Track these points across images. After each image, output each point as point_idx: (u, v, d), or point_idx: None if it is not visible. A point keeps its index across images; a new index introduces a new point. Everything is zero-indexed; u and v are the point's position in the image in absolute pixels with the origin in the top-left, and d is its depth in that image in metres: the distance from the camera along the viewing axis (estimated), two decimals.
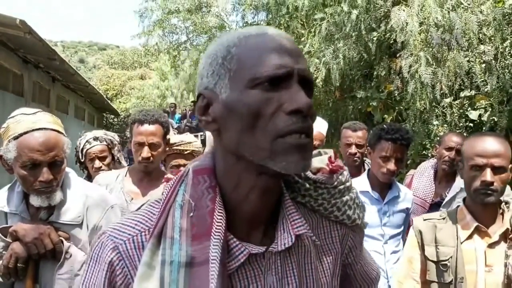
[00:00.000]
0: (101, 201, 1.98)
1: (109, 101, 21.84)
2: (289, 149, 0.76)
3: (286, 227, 0.85)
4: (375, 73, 6.33)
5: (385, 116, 6.52)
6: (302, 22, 6.51)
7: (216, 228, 0.79)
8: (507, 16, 5.56)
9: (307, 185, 0.93)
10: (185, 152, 2.84)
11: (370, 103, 6.47)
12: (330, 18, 5.73)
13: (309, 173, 0.94)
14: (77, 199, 1.92)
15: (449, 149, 3.47)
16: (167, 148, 2.60)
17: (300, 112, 0.77)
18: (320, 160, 0.97)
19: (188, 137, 2.96)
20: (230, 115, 0.79)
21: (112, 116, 27.08)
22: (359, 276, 1.09)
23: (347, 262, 1.03)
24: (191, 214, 0.80)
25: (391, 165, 2.88)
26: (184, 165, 2.91)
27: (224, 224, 0.80)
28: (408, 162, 7.60)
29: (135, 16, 9.14)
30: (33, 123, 1.78)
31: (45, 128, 1.79)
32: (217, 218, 0.79)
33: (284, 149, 0.76)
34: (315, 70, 5.88)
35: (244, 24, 8.74)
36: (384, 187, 2.99)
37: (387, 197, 2.98)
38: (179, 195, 0.83)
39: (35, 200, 1.81)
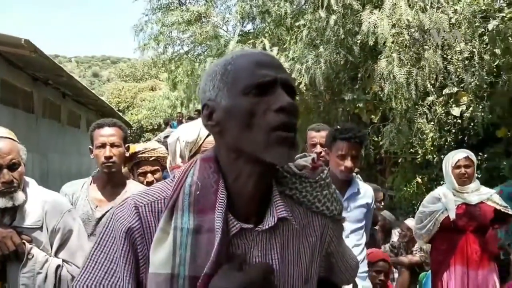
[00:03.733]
0: (58, 206, 2.21)
1: (120, 114, 22.18)
2: (279, 142, 0.94)
3: (272, 211, 1.02)
4: (359, 75, 6.50)
5: (372, 116, 6.70)
6: (286, 29, 6.70)
7: (219, 204, 0.98)
8: (483, 14, 5.69)
9: (294, 179, 1.11)
10: (151, 159, 3.01)
11: (357, 105, 6.64)
12: (311, 25, 5.92)
13: (296, 170, 1.11)
14: (36, 205, 2.16)
15: None
16: (127, 154, 2.74)
17: (284, 109, 0.95)
18: (305, 160, 1.15)
19: (152, 144, 3.12)
20: (229, 118, 0.97)
21: None
22: (341, 263, 1.28)
23: (329, 251, 1.21)
24: (198, 192, 1.00)
25: (348, 163, 3.04)
26: (150, 172, 3.09)
27: (225, 202, 0.98)
28: (399, 160, 7.76)
29: (132, 31, 9.44)
30: None
31: (0, 137, 2.06)
32: (220, 196, 0.99)
33: (275, 141, 0.94)
34: (298, 76, 6.08)
35: (240, 33, 9.00)
36: (343, 185, 3.15)
37: (347, 194, 3.15)
38: (188, 177, 1.03)
39: (0, 202, 2.04)
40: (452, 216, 3.81)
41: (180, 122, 15.08)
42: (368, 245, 4.27)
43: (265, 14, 6.85)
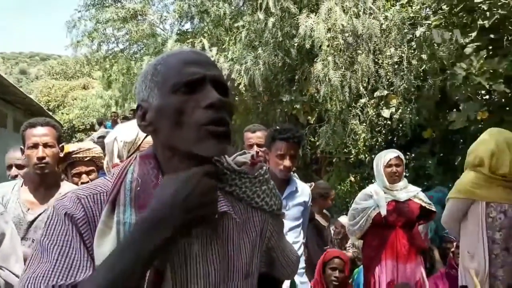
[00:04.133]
0: None
1: (50, 113, 21.21)
2: (209, 136, 0.96)
3: None
4: (297, 77, 6.67)
5: (309, 117, 6.90)
6: (225, 30, 6.74)
7: None
8: (412, 20, 6.04)
9: (234, 176, 1.12)
10: (85, 159, 2.92)
11: (295, 106, 6.81)
12: (249, 26, 6.00)
13: (235, 166, 1.13)
14: None
15: None
16: (61, 154, 2.64)
17: (212, 106, 0.96)
18: (245, 157, 1.19)
19: (86, 144, 3.04)
20: (160, 117, 0.99)
21: None
22: (282, 258, 1.32)
23: (270, 246, 1.24)
24: (138, 188, 1.00)
25: (287, 162, 3.12)
26: (85, 172, 2.99)
27: None
28: (334, 160, 8.04)
29: (64, 27, 9.06)
30: None
31: None
32: None
33: (205, 135, 0.96)
34: (237, 76, 6.14)
35: (177, 32, 8.90)
36: (282, 184, 3.22)
37: (285, 192, 3.22)
38: (128, 173, 1.04)
39: None
40: (383, 212, 4.02)
41: (115, 122, 14.62)
42: (317, 245, 4.43)
43: (204, 14, 6.85)
